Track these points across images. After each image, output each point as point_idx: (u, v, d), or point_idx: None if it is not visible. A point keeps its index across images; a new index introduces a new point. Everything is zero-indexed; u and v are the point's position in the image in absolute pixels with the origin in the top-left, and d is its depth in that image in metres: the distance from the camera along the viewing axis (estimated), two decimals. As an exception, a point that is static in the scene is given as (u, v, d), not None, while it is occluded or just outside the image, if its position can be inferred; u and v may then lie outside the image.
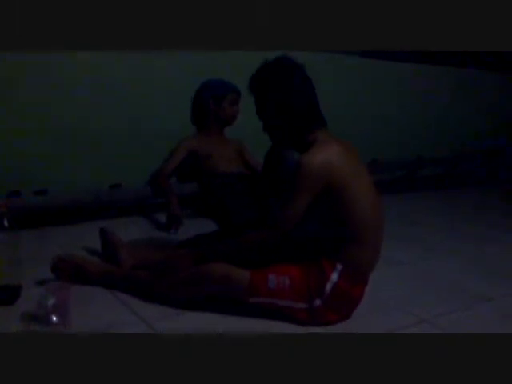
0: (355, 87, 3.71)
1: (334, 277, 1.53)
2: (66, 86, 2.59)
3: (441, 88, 4.24)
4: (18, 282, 1.67)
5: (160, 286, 1.68)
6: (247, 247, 1.60)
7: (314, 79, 1.64)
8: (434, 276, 2.13)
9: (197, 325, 1.56)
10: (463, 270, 2.20)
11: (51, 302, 1.44)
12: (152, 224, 2.70)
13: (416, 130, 4.09)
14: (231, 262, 1.59)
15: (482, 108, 4.55)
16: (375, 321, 1.66)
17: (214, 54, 2.67)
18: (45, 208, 2.53)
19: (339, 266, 1.53)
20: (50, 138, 2.54)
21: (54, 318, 1.43)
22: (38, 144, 2.51)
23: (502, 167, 4.78)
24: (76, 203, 2.61)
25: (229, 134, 2.38)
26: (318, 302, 1.54)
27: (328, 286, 1.53)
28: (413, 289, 1.96)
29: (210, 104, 2.26)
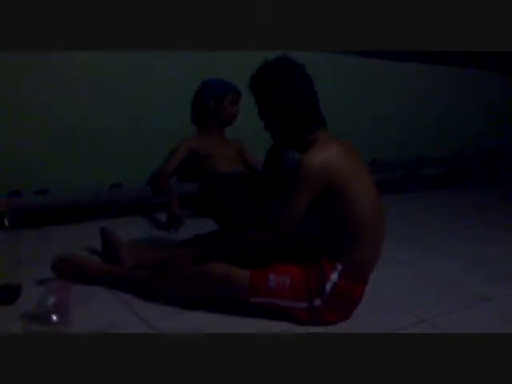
0: (355, 87, 3.71)
1: (334, 276, 1.53)
2: (66, 86, 2.59)
3: (441, 88, 4.25)
4: (18, 282, 1.67)
5: (160, 285, 1.68)
6: (247, 247, 1.60)
7: (314, 79, 1.64)
8: (434, 276, 2.13)
9: (197, 324, 1.56)
10: (463, 270, 2.20)
11: (51, 301, 1.44)
12: (152, 224, 2.70)
13: (416, 129, 4.09)
14: (231, 261, 1.59)
15: (482, 108, 4.55)
16: (375, 321, 1.66)
17: (214, 54, 2.67)
18: (45, 207, 2.53)
19: (339, 266, 1.54)
20: (49, 138, 2.55)
21: (55, 318, 1.43)
22: (38, 144, 2.51)
23: (501, 167, 4.78)
24: (76, 203, 2.61)
25: (229, 133, 2.38)
26: (318, 302, 1.55)
27: (328, 286, 1.53)
28: (413, 289, 1.96)
29: (211, 104, 2.26)
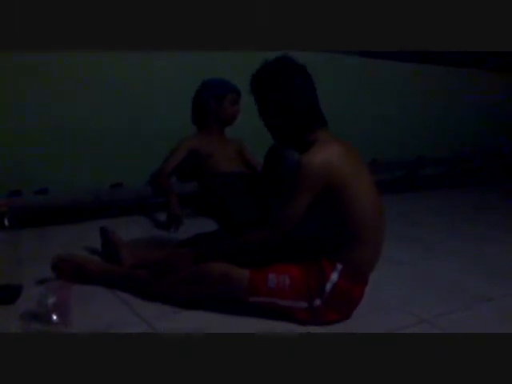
0: (355, 87, 3.71)
1: (334, 276, 1.53)
2: (66, 86, 2.59)
3: (441, 88, 4.25)
4: (18, 282, 1.67)
5: (160, 285, 1.68)
6: (248, 247, 1.60)
7: (314, 79, 1.64)
8: (434, 276, 2.13)
9: (197, 324, 1.56)
10: (463, 270, 2.20)
11: (52, 301, 1.44)
12: (152, 223, 2.70)
13: (416, 129, 4.10)
14: (231, 261, 1.59)
15: (482, 108, 4.55)
16: (375, 321, 1.66)
17: (214, 54, 2.68)
18: (45, 207, 2.53)
19: (339, 266, 1.54)
20: (49, 138, 2.55)
21: (55, 317, 1.43)
22: (38, 144, 2.51)
23: (501, 167, 4.79)
24: (76, 203, 2.61)
25: (229, 133, 2.38)
26: (318, 302, 1.54)
27: (328, 286, 1.53)
28: (413, 289, 1.96)
29: (211, 104, 2.26)
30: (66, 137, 2.59)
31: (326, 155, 1.51)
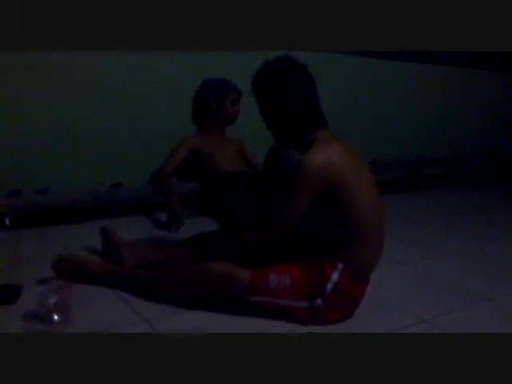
0: (355, 87, 3.71)
1: (335, 276, 1.53)
2: (66, 86, 2.59)
3: (441, 88, 4.25)
4: (18, 281, 1.67)
5: (161, 285, 1.68)
6: (248, 246, 1.60)
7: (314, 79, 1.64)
8: (434, 276, 2.13)
9: (197, 324, 1.56)
10: (463, 270, 2.20)
11: (52, 300, 1.44)
12: (153, 223, 2.70)
13: (416, 129, 4.10)
14: (232, 261, 1.59)
15: (482, 108, 4.55)
16: (375, 320, 1.66)
17: (214, 54, 2.68)
18: (46, 207, 2.53)
19: (340, 266, 1.54)
20: (49, 138, 2.55)
21: (56, 317, 1.43)
22: (37, 144, 2.51)
23: (501, 167, 4.79)
24: (76, 203, 2.62)
25: (230, 133, 2.38)
26: (319, 302, 1.55)
27: (329, 286, 1.53)
28: (413, 289, 1.96)
29: (212, 103, 2.26)
30: (66, 137, 2.59)
31: (327, 155, 1.51)
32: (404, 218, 3.04)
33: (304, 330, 1.54)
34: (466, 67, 4.43)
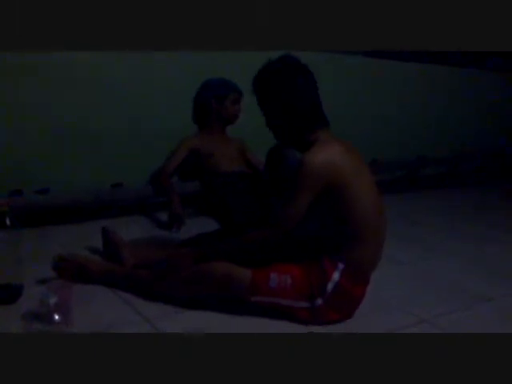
0: (355, 87, 3.71)
1: (336, 276, 1.54)
2: (66, 86, 2.59)
3: (441, 88, 4.25)
4: (19, 281, 1.67)
5: (161, 284, 1.68)
6: (249, 246, 1.60)
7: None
8: (434, 276, 2.13)
9: (198, 324, 1.56)
10: (463, 270, 2.20)
11: (53, 300, 1.44)
12: (154, 223, 2.70)
13: (416, 129, 4.10)
14: (233, 260, 1.60)
15: (482, 108, 4.55)
16: (375, 320, 1.66)
17: (214, 54, 2.68)
18: (46, 207, 2.53)
19: (341, 266, 1.54)
20: (49, 138, 2.55)
21: (56, 317, 1.43)
22: (38, 144, 2.51)
23: (501, 167, 4.79)
24: (77, 203, 2.62)
25: (230, 133, 2.39)
26: (319, 301, 1.55)
27: (330, 286, 1.54)
28: (413, 289, 1.96)
29: (212, 103, 2.26)
30: (66, 137, 2.59)
31: (327, 155, 1.52)
32: (404, 218, 3.04)
33: (304, 329, 1.55)
34: (465, 67, 4.43)
